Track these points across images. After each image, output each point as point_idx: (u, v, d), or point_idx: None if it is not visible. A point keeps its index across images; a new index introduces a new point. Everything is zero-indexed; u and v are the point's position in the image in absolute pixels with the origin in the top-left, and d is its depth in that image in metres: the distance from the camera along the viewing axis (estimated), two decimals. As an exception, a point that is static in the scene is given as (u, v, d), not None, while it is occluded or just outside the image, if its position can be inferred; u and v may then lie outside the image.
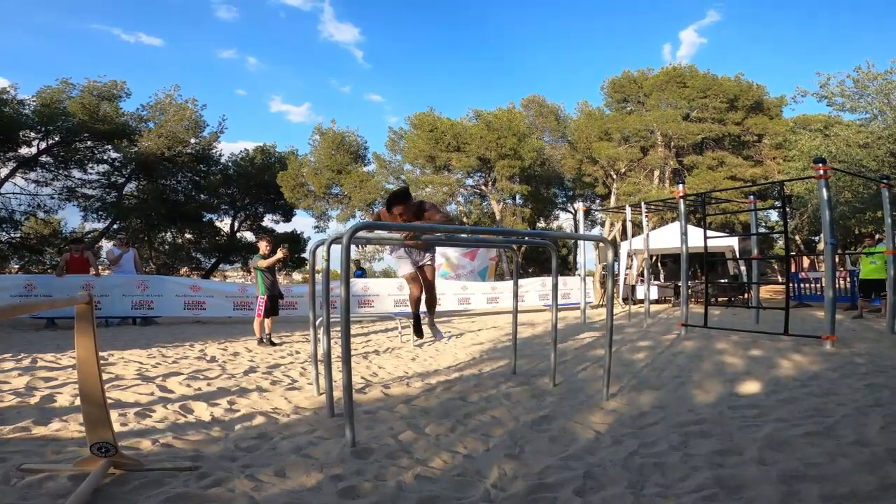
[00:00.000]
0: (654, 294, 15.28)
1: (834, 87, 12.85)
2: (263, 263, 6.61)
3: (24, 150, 14.64)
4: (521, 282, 14.09)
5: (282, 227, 23.69)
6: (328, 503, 1.92)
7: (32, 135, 14.21)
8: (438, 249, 14.97)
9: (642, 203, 10.27)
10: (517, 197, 21.61)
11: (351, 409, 2.51)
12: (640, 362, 5.00)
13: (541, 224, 25.18)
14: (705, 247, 7.15)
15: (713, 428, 2.73)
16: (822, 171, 5.83)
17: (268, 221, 23.41)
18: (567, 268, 27.79)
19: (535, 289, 13.20)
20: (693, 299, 14.19)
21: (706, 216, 7.78)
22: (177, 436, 2.73)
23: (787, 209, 18.34)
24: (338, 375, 3.33)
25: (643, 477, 2.09)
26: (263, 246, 6.78)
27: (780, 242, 20.01)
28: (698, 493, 1.90)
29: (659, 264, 20.03)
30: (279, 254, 6.69)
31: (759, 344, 5.78)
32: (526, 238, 6.89)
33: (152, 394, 3.66)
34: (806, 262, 22.05)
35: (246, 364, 5.05)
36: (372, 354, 5.83)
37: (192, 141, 17.81)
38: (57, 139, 14.86)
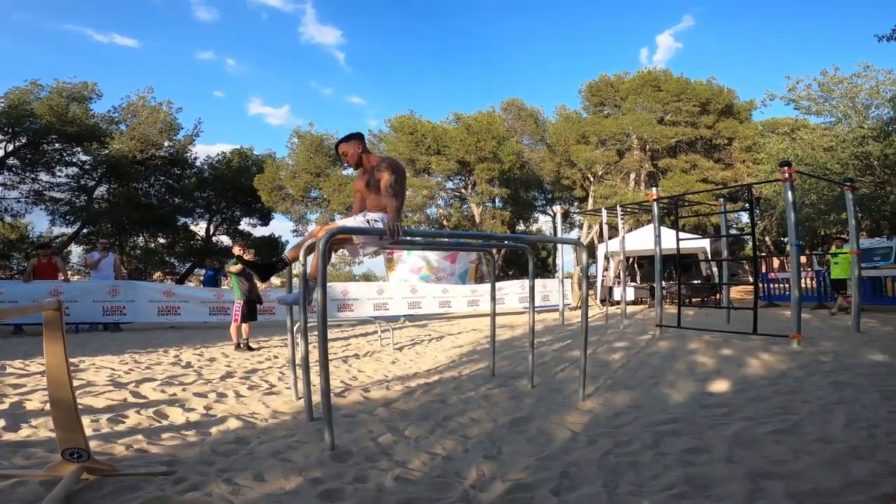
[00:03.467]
0: (630, 295, 15.57)
1: (801, 90, 13.30)
2: (234, 269, 6.58)
3: (-9, 152, 14.17)
4: (500, 284, 14.19)
5: (259, 231, 23.44)
6: (305, 506, 1.92)
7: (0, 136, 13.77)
8: (417, 252, 14.96)
9: (618, 206, 10.45)
10: (497, 200, 21.77)
11: (329, 413, 2.51)
12: (615, 363, 5.09)
13: (520, 227, 25.39)
14: (678, 249, 7.32)
15: (685, 427, 2.80)
16: (787, 174, 6.03)
17: (245, 225, 23.13)
18: (547, 270, 28.09)
19: (514, 291, 13.30)
20: (668, 300, 14.52)
21: (679, 218, 7.98)
22: (151, 441, 2.69)
23: (756, 211, 18.88)
24: (316, 379, 3.31)
25: (617, 476, 2.14)
26: (237, 250, 6.78)
27: (751, 244, 20.60)
28: (669, 492, 1.95)
29: (636, 266, 20.39)
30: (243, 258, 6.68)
31: (729, 343, 5.94)
32: (505, 242, 6.95)
33: (125, 400, 3.59)
34: (776, 262, 22.74)
35: (223, 369, 4.98)
36: (352, 358, 5.80)
37: (166, 144, 17.48)
38: (24, 141, 14.43)
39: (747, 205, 16.18)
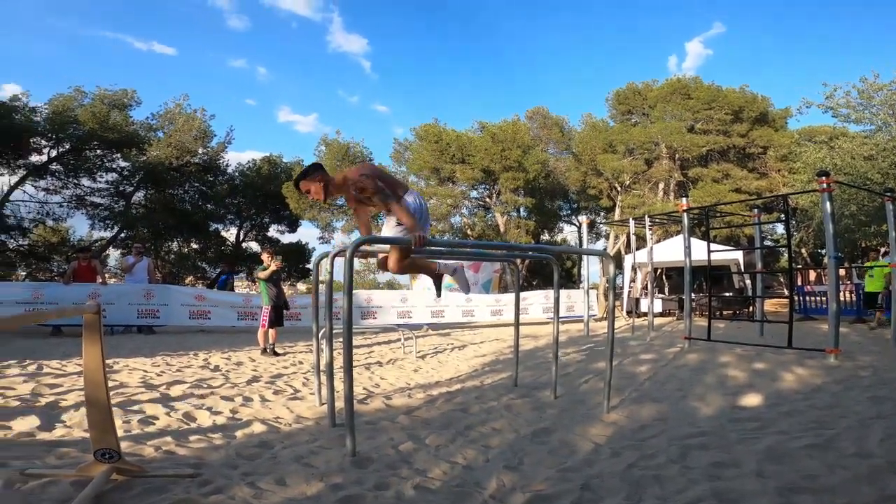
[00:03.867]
0: (658, 307, 15.23)
1: (840, 98, 12.86)
2: (262, 275, 6.75)
3: (34, 158, 14.88)
4: (524, 294, 14.08)
5: (287, 238, 23.82)
6: (326, 511, 1.94)
7: (43, 142, 14.44)
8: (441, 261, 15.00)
9: (646, 216, 10.27)
10: (521, 209, 21.67)
11: (352, 419, 2.53)
12: (642, 375, 4.99)
13: (545, 237, 25.18)
14: (709, 260, 7.15)
15: (713, 440, 2.73)
16: (825, 185, 5.84)
17: (273, 232, 23.57)
18: (571, 280, 27.73)
19: (538, 301, 13.18)
20: (697, 312, 14.14)
21: (710, 230, 7.77)
22: (179, 443, 2.75)
23: (792, 222, 18.28)
24: (340, 386, 3.34)
25: (641, 489, 2.10)
26: (265, 257, 6.97)
27: (786, 255, 19.94)
28: None
29: (664, 277, 19.97)
30: (272, 266, 6.83)
31: (762, 357, 5.74)
32: (529, 252, 6.92)
33: (156, 402, 3.69)
34: (812, 275, 21.91)
35: (249, 374, 5.08)
36: (374, 365, 5.84)
37: (200, 151, 18.01)
38: (67, 147, 15.10)
39: (782, 215, 15.72)
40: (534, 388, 4.43)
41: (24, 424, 2.98)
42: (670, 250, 13.78)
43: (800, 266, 23.01)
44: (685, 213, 7.49)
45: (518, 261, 23.49)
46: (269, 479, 2.23)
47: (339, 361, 4.63)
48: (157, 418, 3.25)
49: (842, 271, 14.31)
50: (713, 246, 9.60)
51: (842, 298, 11.80)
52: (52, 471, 2.23)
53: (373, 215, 3.45)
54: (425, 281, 14.16)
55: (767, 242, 18.42)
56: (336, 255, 3.30)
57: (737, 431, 2.90)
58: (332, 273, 3.11)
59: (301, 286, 24.89)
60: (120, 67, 49.30)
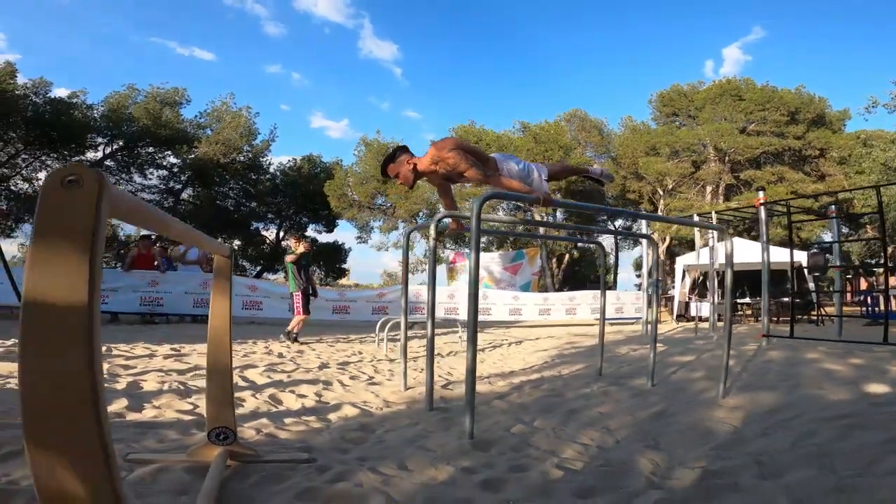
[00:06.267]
0: (705, 311, 14.61)
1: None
2: (290, 258, 6.65)
3: (90, 155, 15.36)
4: (572, 294, 13.74)
5: (324, 238, 24.02)
6: (471, 497, 1.72)
7: (99, 139, 14.88)
8: (483, 263, 14.64)
9: (712, 213, 9.83)
10: (558, 212, 21.26)
11: (472, 398, 2.33)
12: (732, 368, 4.63)
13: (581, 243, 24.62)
14: (791, 260, 6.76)
15: (866, 421, 2.44)
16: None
17: (311, 231, 23.80)
18: (607, 286, 27.04)
19: (586, 302, 12.81)
20: (752, 318, 13.48)
21: (792, 224, 7.32)
22: (278, 426, 2.59)
23: (843, 229, 17.30)
24: (413, 373, 3.14)
25: (828, 461, 1.86)
26: (293, 242, 6.89)
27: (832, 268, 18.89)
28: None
29: (716, 282, 19.21)
30: (301, 248, 6.72)
31: (854, 353, 5.31)
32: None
33: (236, 384, 3.56)
34: (864, 284, 20.72)
35: (315, 360, 4.96)
36: (436, 356, 5.64)
37: (245, 148, 18.30)
38: (121, 144, 15.53)
39: (870, 211, 14.77)
40: (620, 377, 4.16)
41: (111, 405, 2.82)
42: (723, 254, 13.21)
43: (849, 276, 21.86)
44: (762, 207, 7.07)
45: (556, 263, 22.87)
46: (389, 464, 2.02)
47: (413, 347, 4.33)
48: (243, 400, 3.11)
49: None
50: (774, 248, 9.12)
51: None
52: (158, 456, 1.96)
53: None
54: (462, 283, 13.93)
55: (818, 245, 17.49)
56: (443, 218, 3.14)
57: (886, 414, 2.57)
58: (434, 247, 2.93)
59: (343, 281, 24.95)
60: (163, 72, 51.03)
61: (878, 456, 1.87)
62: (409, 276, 4.02)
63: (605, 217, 24.02)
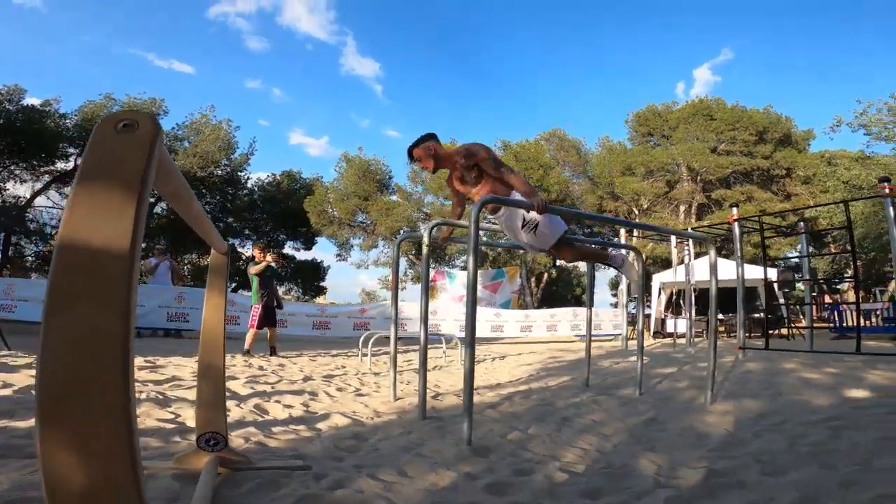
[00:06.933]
0: (682, 328, 14.86)
1: (873, 114, 12.72)
2: (254, 269, 6.49)
3: (60, 165, 14.87)
4: (552, 311, 13.81)
5: (302, 255, 23.63)
6: (479, 501, 1.67)
7: (71, 149, 14.45)
8: (461, 281, 14.66)
9: (689, 230, 10.05)
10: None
11: (471, 403, 2.28)
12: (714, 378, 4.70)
13: (559, 261, 24.89)
14: (765, 276, 6.95)
15: (855, 422, 2.50)
16: (887, 189, 5.65)
17: (289, 249, 23.37)
18: (580, 304, 27.33)
19: (567, 319, 12.89)
20: (726, 333, 13.75)
21: (765, 238, 7.53)
22: (266, 434, 2.49)
23: (810, 248, 17.92)
24: (400, 384, 3.08)
25: (828, 459, 1.89)
26: (257, 253, 6.74)
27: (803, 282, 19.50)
28: None
29: (693, 298, 19.59)
30: (268, 258, 6.59)
31: (829, 363, 5.45)
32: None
33: (218, 394, 3.43)
34: (827, 300, 21.43)
35: (299, 373, 4.83)
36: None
37: (223, 162, 17.99)
38: (93, 156, 15.07)
39: (839, 225, 15.29)
40: (608, 388, 4.17)
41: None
42: (699, 271, 13.50)
43: (814, 293, 22.56)
44: (736, 224, 7.26)
45: (534, 282, 22.90)
46: (387, 471, 1.95)
47: (403, 359, 4.23)
48: (228, 410, 2.97)
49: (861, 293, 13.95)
50: (745, 265, 9.39)
51: (873, 319, 11.55)
52: (146, 462, 1.85)
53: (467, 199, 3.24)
54: (443, 301, 13.85)
55: (786, 262, 18.06)
56: (436, 225, 3.12)
57: (870, 416, 2.63)
58: (427, 255, 2.90)
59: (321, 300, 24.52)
60: (140, 84, 50.24)
61: (874, 453, 1.91)
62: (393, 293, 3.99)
63: (587, 228, 24.43)
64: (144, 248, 17.28)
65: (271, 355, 6.16)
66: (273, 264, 6.78)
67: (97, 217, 0.49)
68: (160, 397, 3.15)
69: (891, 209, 5.69)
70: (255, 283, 6.49)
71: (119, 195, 0.50)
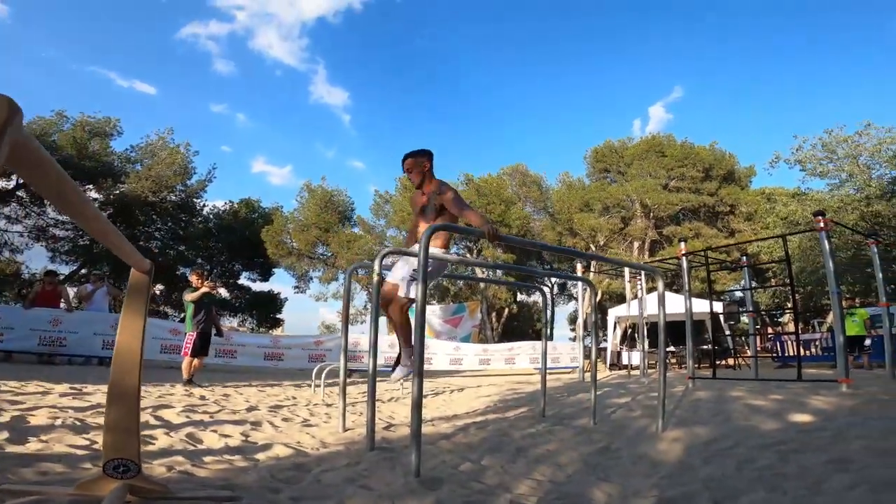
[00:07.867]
0: (636, 360, 15.15)
1: (808, 150, 13.54)
2: (190, 297, 6.23)
3: (0, 183, 13.97)
4: (511, 345, 13.79)
5: (258, 286, 22.88)
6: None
7: (12, 168, 13.62)
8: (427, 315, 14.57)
9: (642, 264, 10.35)
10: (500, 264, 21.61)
11: (419, 431, 2.17)
12: (665, 406, 4.73)
13: (521, 296, 25.05)
14: (711, 309, 7.21)
15: (802, 446, 2.53)
16: (822, 224, 6.01)
17: (244, 280, 22.60)
18: (540, 338, 27.48)
19: (525, 352, 12.90)
20: (676, 365, 14.09)
21: (710, 272, 7.83)
22: (195, 464, 2.30)
23: (752, 283, 18.80)
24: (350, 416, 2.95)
25: (777, 484, 1.89)
26: (194, 279, 6.44)
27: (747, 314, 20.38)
28: (853, 491, 1.73)
29: (646, 331, 20.05)
30: (204, 287, 6.33)
31: (774, 391, 5.62)
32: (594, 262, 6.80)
33: (147, 422, 3.17)
34: (770, 331, 22.47)
35: (243, 403, 4.56)
36: (377, 402, 5.36)
37: (178, 187, 17.39)
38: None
39: (778, 259, 16.01)
40: (563, 418, 4.11)
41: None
42: (651, 305, 13.89)
43: (758, 326, 23.63)
44: (684, 258, 7.53)
45: (495, 318, 22.90)
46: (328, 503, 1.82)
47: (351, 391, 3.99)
48: (154, 438, 2.76)
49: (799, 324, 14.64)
50: (693, 299, 9.77)
51: (813, 349, 12.17)
52: (39, 487, 1.71)
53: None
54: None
55: (731, 297, 18.82)
56: (388, 253, 3.05)
57: (817, 440, 2.68)
58: (378, 284, 2.84)
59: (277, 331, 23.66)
60: (99, 103, 48.52)
61: (822, 476, 1.93)
62: (349, 326, 3.90)
63: (547, 265, 24.79)
64: (83, 275, 16.31)
65: (186, 384, 5.81)
66: (211, 292, 6.48)
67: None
68: (78, 423, 2.89)
69: (825, 242, 6.04)
70: (189, 309, 6.22)
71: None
